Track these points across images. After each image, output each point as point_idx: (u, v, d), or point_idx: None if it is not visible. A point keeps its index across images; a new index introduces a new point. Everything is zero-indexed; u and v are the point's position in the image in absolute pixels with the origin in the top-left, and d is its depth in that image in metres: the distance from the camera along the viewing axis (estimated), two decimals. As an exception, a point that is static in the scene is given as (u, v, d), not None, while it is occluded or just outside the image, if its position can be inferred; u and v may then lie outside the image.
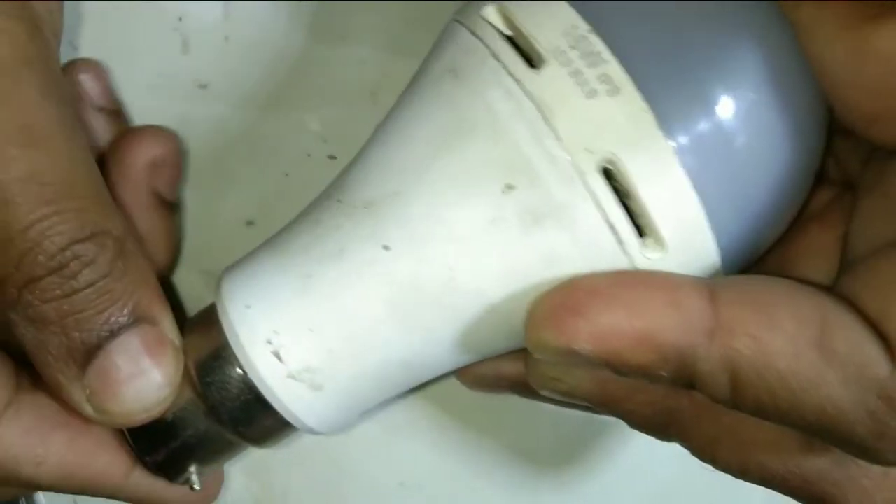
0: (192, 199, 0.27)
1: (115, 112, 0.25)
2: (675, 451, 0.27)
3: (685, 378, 0.17)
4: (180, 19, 0.26)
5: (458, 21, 0.19)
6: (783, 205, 0.19)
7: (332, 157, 0.27)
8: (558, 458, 0.27)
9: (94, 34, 0.26)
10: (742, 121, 0.17)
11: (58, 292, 0.19)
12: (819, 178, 0.20)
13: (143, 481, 0.22)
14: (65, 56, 0.26)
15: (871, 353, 0.16)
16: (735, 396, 0.16)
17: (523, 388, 0.21)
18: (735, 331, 0.16)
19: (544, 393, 0.20)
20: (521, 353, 0.21)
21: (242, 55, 0.26)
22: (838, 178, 0.21)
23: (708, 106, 0.17)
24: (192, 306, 0.27)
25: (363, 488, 0.27)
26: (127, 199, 0.24)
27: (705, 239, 0.18)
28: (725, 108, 0.17)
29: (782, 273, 0.20)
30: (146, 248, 0.24)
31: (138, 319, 0.20)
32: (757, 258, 0.20)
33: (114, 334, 0.20)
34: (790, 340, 0.16)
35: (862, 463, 0.17)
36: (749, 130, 0.17)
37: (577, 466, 0.28)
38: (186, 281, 0.27)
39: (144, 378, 0.20)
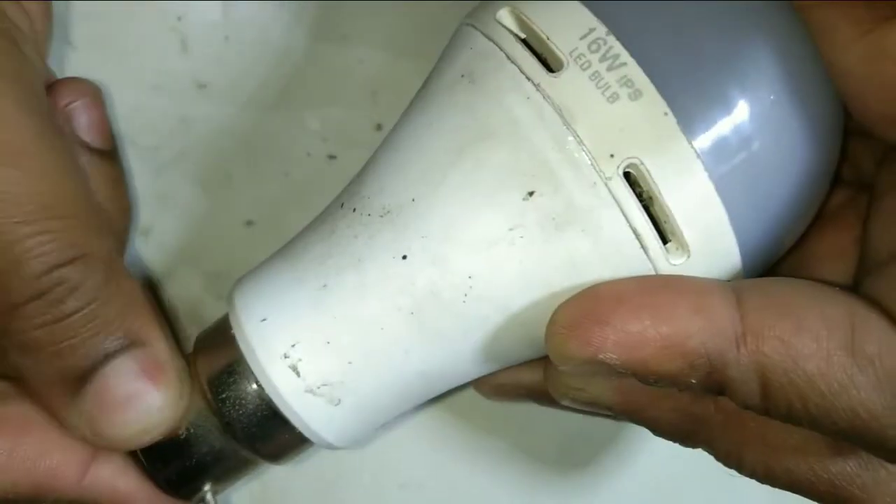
0: (192, 199, 0.26)
1: (105, 153, 0.24)
2: (678, 452, 0.27)
3: (714, 385, 0.17)
4: (179, 19, 0.26)
5: (470, 25, 0.19)
6: (802, 206, 0.18)
7: (332, 157, 0.26)
8: (560, 458, 0.27)
9: (92, 33, 0.26)
10: (761, 123, 0.17)
11: (47, 317, 0.18)
12: (833, 180, 0.20)
13: (103, 484, 0.21)
14: (63, 55, 0.26)
15: None
16: (765, 402, 0.16)
17: (542, 396, 0.21)
18: (763, 335, 0.16)
19: (565, 402, 0.20)
20: (540, 361, 0.20)
21: (242, 55, 0.26)
22: (852, 178, 0.21)
23: (728, 108, 0.17)
24: (192, 306, 0.26)
25: (363, 489, 0.27)
26: None
27: (728, 242, 0.18)
28: (745, 110, 0.17)
29: (800, 275, 0.20)
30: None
31: (132, 343, 0.20)
32: (776, 260, 0.20)
33: (108, 358, 0.19)
34: (820, 343, 0.16)
35: (891, 467, 0.17)
36: (768, 132, 0.17)
37: (579, 466, 0.28)
38: (186, 281, 0.26)
39: (142, 401, 0.20)
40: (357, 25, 0.26)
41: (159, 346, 0.20)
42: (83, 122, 0.23)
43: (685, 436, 0.19)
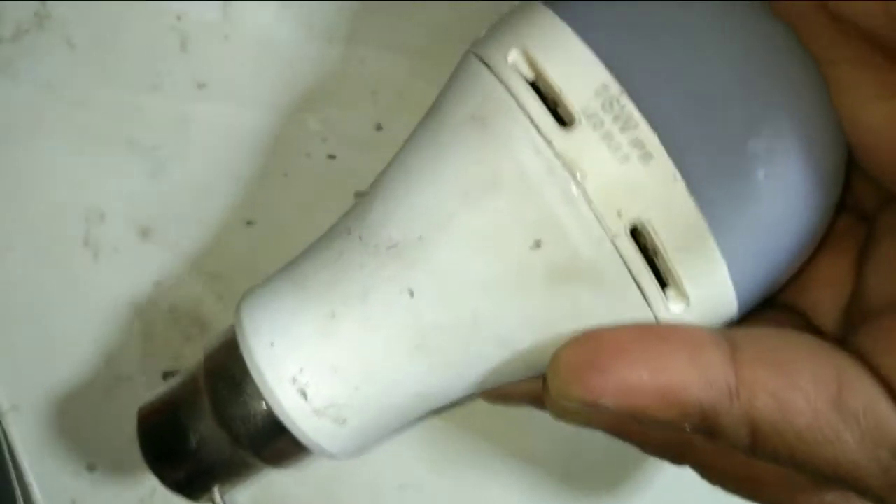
0: (191, 199, 0.26)
1: None
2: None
3: (705, 430, 0.18)
4: (179, 18, 0.25)
5: (479, 59, 0.19)
6: (801, 254, 0.19)
7: (332, 157, 0.26)
8: (559, 459, 0.28)
9: (91, 33, 0.26)
10: (771, 185, 0.17)
11: None
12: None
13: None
14: (63, 55, 0.26)
15: (884, 411, 0.17)
16: (754, 448, 0.17)
17: (541, 403, 0.22)
18: (755, 390, 0.17)
19: (560, 421, 0.21)
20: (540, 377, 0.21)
21: (241, 54, 0.26)
22: (852, 206, 0.21)
23: (739, 174, 0.17)
24: (193, 306, 0.27)
25: (363, 490, 0.28)
26: None
27: (726, 293, 0.18)
28: (756, 176, 0.17)
29: (795, 300, 0.21)
30: None
31: None
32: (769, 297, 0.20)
33: None
34: (809, 400, 0.17)
35: None
36: (777, 193, 0.18)
37: (578, 467, 0.28)
38: (186, 281, 0.27)
39: None
40: (357, 25, 0.26)
41: None
42: None
43: (674, 458, 0.20)
